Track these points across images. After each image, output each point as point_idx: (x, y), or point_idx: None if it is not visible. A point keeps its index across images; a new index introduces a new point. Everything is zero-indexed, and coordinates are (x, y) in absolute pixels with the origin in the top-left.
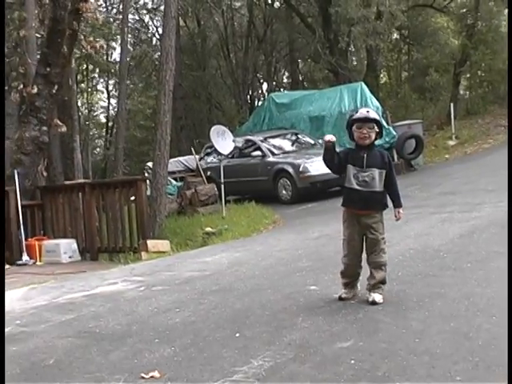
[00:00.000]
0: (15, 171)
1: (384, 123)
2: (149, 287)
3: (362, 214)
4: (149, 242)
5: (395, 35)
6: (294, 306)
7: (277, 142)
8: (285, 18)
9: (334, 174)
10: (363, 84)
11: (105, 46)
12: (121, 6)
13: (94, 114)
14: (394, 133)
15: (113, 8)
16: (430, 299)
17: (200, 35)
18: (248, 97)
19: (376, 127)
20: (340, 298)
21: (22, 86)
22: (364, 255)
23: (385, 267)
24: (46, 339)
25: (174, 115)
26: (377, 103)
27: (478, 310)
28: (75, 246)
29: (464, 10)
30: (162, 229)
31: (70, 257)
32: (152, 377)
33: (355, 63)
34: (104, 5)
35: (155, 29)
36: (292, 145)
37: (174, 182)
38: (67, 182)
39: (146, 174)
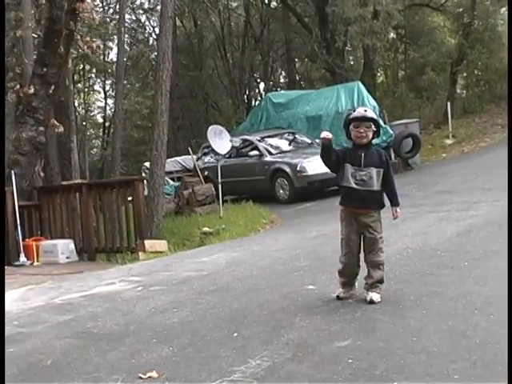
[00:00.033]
0: (12, 172)
1: (381, 122)
2: (146, 287)
3: (360, 212)
4: (146, 242)
5: (392, 34)
6: (291, 305)
7: (274, 141)
8: (281, 18)
9: (332, 172)
10: (360, 83)
11: (101, 46)
12: (117, 6)
13: (91, 114)
14: (391, 132)
15: (109, 8)
16: (428, 298)
17: (197, 35)
18: (245, 96)
19: (373, 126)
20: (338, 298)
21: (18, 87)
22: (361, 254)
23: (382, 266)
24: (43, 340)
25: (171, 115)
26: (374, 102)
27: (476, 309)
28: (73, 246)
29: (460, 9)
30: (159, 229)
31: (67, 257)
32: (150, 377)
33: (352, 63)
34: (101, 5)
35: (152, 29)
36: (289, 144)
37: (171, 181)
38: (64, 183)
39: (144, 174)
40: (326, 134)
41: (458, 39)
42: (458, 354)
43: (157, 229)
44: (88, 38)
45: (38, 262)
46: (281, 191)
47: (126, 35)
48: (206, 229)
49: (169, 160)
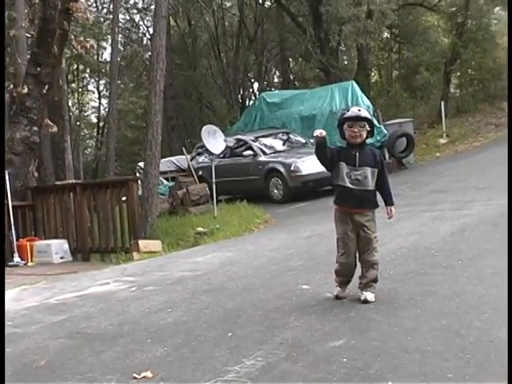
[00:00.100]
0: (6, 172)
1: (375, 122)
2: (140, 287)
3: (355, 212)
4: (140, 242)
5: (386, 34)
6: (285, 305)
7: (268, 141)
8: (275, 18)
9: (327, 171)
10: (354, 83)
11: (95, 46)
12: (111, 6)
13: (85, 114)
14: (385, 131)
15: (103, 8)
16: (422, 297)
17: (191, 35)
18: (239, 96)
19: (367, 126)
20: (337, 297)
21: (12, 86)
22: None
23: (377, 266)
24: (37, 340)
25: (165, 115)
26: (368, 102)
27: (469, 308)
28: (67, 246)
29: (454, 9)
30: (153, 229)
31: (61, 257)
32: (144, 377)
33: (346, 62)
34: (94, 4)
35: (146, 28)
36: (283, 144)
37: (165, 181)
38: (58, 183)
39: (138, 174)
40: (319, 132)
41: (451, 39)
42: (451, 353)
43: (151, 229)
44: (82, 38)
45: (31, 262)
46: (275, 191)
47: (120, 35)
48: (200, 229)
49: (163, 160)
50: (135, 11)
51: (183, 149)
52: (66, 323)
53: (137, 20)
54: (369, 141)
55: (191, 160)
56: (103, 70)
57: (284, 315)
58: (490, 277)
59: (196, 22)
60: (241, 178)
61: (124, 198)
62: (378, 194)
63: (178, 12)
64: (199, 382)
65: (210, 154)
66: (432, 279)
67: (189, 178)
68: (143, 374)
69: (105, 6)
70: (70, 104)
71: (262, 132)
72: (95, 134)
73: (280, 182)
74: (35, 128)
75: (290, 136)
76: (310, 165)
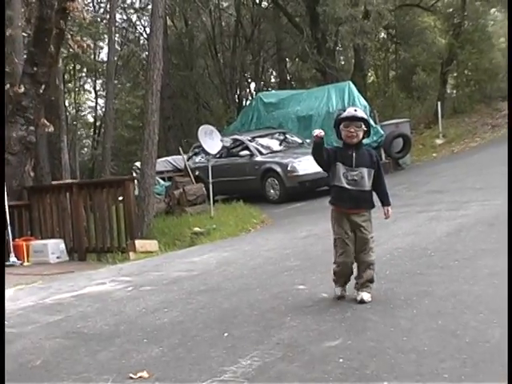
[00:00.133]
0: None
1: (372, 122)
2: (137, 287)
3: (352, 212)
4: (137, 241)
5: (382, 34)
6: (282, 305)
7: (265, 141)
8: (272, 18)
9: (324, 171)
10: (351, 83)
11: (92, 46)
12: (108, 6)
13: (82, 113)
14: (382, 132)
15: (100, 7)
16: (418, 297)
17: (187, 35)
18: (236, 96)
19: (363, 126)
20: (341, 297)
21: (8, 86)
22: None
23: (373, 266)
24: (33, 340)
25: (162, 115)
26: (364, 102)
27: (465, 308)
28: (63, 246)
29: (451, 10)
30: (149, 229)
31: (57, 257)
32: (140, 377)
33: (343, 62)
34: (91, 4)
35: (143, 28)
36: (280, 144)
37: (162, 181)
38: (54, 182)
39: (134, 174)
40: (318, 132)
41: (448, 39)
42: (447, 353)
43: (147, 229)
44: (78, 38)
45: (28, 262)
46: (271, 191)
47: (117, 35)
48: (196, 229)
49: (159, 160)
50: (132, 11)
51: (180, 149)
52: (62, 323)
53: (134, 20)
54: (365, 141)
55: (188, 160)
56: (100, 70)
57: (280, 315)
58: (487, 277)
59: (193, 21)
60: (237, 178)
61: (120, 198)
62: (374, 195)
63: (174, 12)
64: (195, 382)
65: (207, 153)
66: (428, 279)
67: (185, 178)
68: (139, 374)
69: (101, 5)
70: (66, 104)
71: (258, 132)
72: (92, 133)
73: (276, 182)
74: (32, 127)
75: (287, 136)
76: (306, 165)
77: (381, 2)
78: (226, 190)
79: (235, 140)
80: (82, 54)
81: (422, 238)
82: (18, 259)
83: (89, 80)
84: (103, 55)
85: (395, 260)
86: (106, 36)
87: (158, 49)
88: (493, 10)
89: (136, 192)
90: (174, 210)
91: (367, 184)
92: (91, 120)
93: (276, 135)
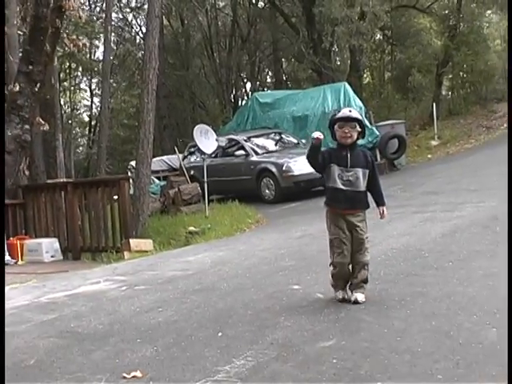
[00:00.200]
0: None
1: (367, 123)
2: (131, 287)
3: (347, 213)
4: (131, 241)
5: (378, 35)
6: (276, 305)
7: (260, 141)
8: (269, 18)
9: (317, 173)
10: (346, 84)
11: (88, 45)
12: (104, 5)
13: (77, 112)
14: (377, 133)
15: (96, 6)
16: (412, 298)
17: (184, 34)
18: (231, 96)
19: (358, 127)
20: (342, 300)
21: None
22: None
23: (367, 266)
24: (26, 339)
25: (158, 114)
26: (360, 103)
27: (460, 309)
28: (57, 245)
29: (446, 12)
30: (144, 228)
31: (52, 256)
32: (134, 376)
33: (339, 63)
34: (87, 3)
35: (139, 27)
36: (275, 144)
37: (157, 181)
38: (49, 181)
39: (129, 173)
40: (318, 135)
41: (443, 41)
42: (441, 354)
43: (142, 228)
44: (74, 36)
45: (22, 260)
46: (267, 191)
47: (113, 34)
48: (191, 228)
49: (155, 159)
50: (128, 10)
51: (175, 148)
52: (56, 322)
53: (130, 19)
54: (361, 142)
55: (183, 159)
56: (96, 69)
57: (275, 315)
58: (481, 278)
59: (189, 21)
60: (233, 178)
61: (115, 197)
62: (369, 195)
63: (171, 11)
64: (189, 382)
65: (202, 153)
66: (423, 280)
67: (180, 178)
68: (133, 374)
69: (98, 4)
70: (61, 102)
71: (254, 132)
72: (87, 132)
73: (272, 182)
74: (27, 126)
75: (283, 136)
76: (301, 165)
77: (377, 3)
78: (221, 190)
79: (231, 140)
80: (78, 53)
81: (417, 239)
82: (12, 258)
83: (84, 79)
84: (99, 54)
85: (390, 261)
86: (101, 35)
87: (154, 48)
88: (488, 12)
89: (131, 191)
90: (169, 210)
91: (362, 184)
92: (86, 119)
93: (271, 135)
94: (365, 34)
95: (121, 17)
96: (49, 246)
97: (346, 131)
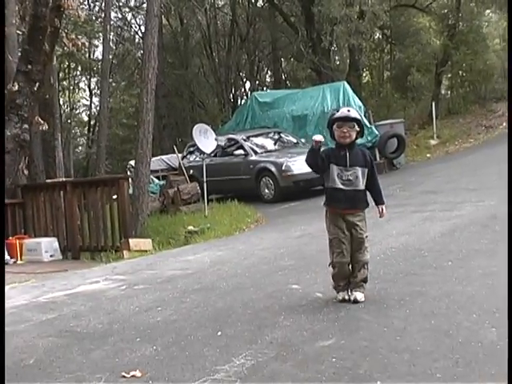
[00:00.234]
0: None
1: (366, 122)
2: (130, 286)
3: (347, 213)
4: (131, 240)
5: (378, 35)
6: (275, 304)
7: (259, 140)
8: (268, 17)
9: (317, 174)
10: (346, 83)
11: (87, 44)
12: (103, 4)
13: (76, 112)
14: (376, 132)
15: (95, 5)
16: (411, 297)
17: (183, 34)
18: (231, 95)
19: (357, 126)
20: (343, 300)
21: None
22: None
23: (367, 265)
24: (26, 339)
25: (157, 114)
26: (359, 102)
27: (459, 308)
28: (56, 244)
29: (446, 11)
30: (144, 227)
31: (51, 255)
32: (133, 376)
33: (338, 62)
34: (86, 2)
35: (138, 27)
36: (275, 144)
37: (156, 180)
38: (48, 181)
39: (129, 173)
40: (319, 138)
41: (443, 40)
42: (440, 353)
43: (141, 227)
44: (73, 36)
45: (21, 260)
46: (266, 190)
47: (112, 33)
48: (190, 228)
49: (154, 159)
50: (127, 9)
51: (174, 147)
52: (55, 322)
53: (129, 18)
54: (360, 141)
55: (182, 159)
56: (95, 68)
57: (274, 315)
58: (480, 277)
59: (188, 20)
60: (232, 178)
61: (115, 197)
62: (368, 194)
63: (170, 11)
64: (188, 381)
65: (202, 153)
66: (422, 279)
67: (180, 177)
68: (132, 373)
69: (97, 3)
70: (61, 102)
71: (253, 131)
72: (86, 132)
73: (271, 181)
74: (26, 126)
75: (282, 135)
76: (301, 164)
77: (376, 2)
78: (220, 189)
79: (230, 139)
80: (77, 52)
81: (416, 238)
82: (12, 257)
83: (83, 78)
84: (98, 53)
85: (389, 260)
86: (100, 34)
87: (153, 47)
88: (487, 11)
89: (130, 191)
90: (168, 209)
91: (361, 183)
92: (86, 118)
93: (271, 135)
94: (364, 33)
95: (120, 16)
96: (48, 246)
97: (345, 131)
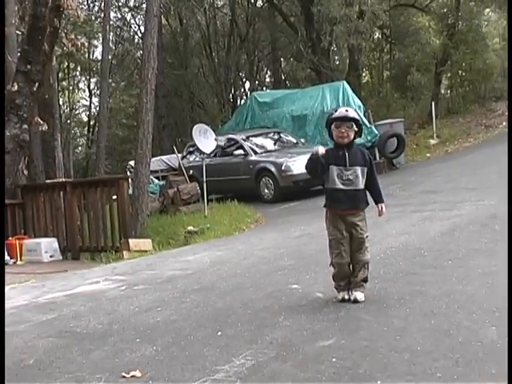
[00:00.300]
0: None
1: (366, 122)
2: (130, 286)
3: (347, 213)
4: (131, 240)
5: (377, 34)
6: (275, 304)
7: (259, 140)
8: (267, 17)
9: (317, 177)
10: (345, 83)
11: (86, 44)
12: (102, 4)
13: (76, 112)
14: (376, 132)
15: (94, 5)
16: (411, 297)
17: (182, 34)
18: (230, 96)
19: (355, 126)
20: (342, 300)
21: None
22: None
23: (367, 265)
24: (26, 339)
25: (156, 114)
26: (359, 102)
27: (459, 308)
28: (56, 245)
29: (445, 10)
30: (143, 228)
31: (51, 256)
32: (133, 376)
33: (337, 62)
34: (86, 2)
35: (137, 27)
36: (274, 144)
37: (156, 180)
38: (48, 181)
39: (129, 173)
40: (321, 152)
41: (442, 40)
42: (440, 353)
43: (141, 228)
44: (73, 36)
45: (21, 260)
46: (266, 190)
47: (111, 33)
48: (190, 228)
49: (154, 159)
50: (127, 9)
51: (174, 148)
52: (55, 322)
53: (128, 18)
54: (360, 141)
55: (182, 159)
56: (94, 69)
57: (274, 314)
58: (480, 277)
59: (188, 20)
60: (232, 178)
61: (114, 197)
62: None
63: (169, 11)
64: (188, 382)
65: (201, 153)
66: (422, 279)
67: (180, 177)
68: (132, 373)
69: (96, 3)
70: (60, 102)
71: (253, 131)
72: (86, 132)
73: (271, 181)
74: (25, 126)
75: (281, 135)
76: (300, 164)
77: (375, 2)
78: (220, 190)
79: (230, 139)
80: (76, 53)
81: (416, 238)
82: (11, 258)
83: (83, 78)
84: (97, 54)
85: (389, 259)
86: (100, 34)
87: (153, 47)
88: (487, 10)
89: (130, 191)
90: (168, 209)
91: (361, 183)
92: (85, 119)
93: (270, 135)
94: (363, 32)
95: (119, 16)
96: (48, 246)
97: (343, 131)
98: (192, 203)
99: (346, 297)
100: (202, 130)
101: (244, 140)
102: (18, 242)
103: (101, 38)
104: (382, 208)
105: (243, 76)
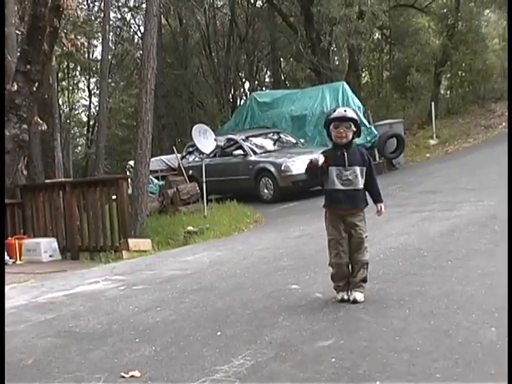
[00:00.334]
0: None
1: (365, 122)
2: (130, 286)
3: (347, 213)
4: (130, 240)
5: (377, 35)
6: (275, 304)
7: (259, 141)
8: (267, 17)
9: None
10: (345, 83)
11: (86, 44)
12: (102, 4)
13: (76, 112)
14: (376, 132)
15: (94, 5)
16: (411, 297)
17: (182, 34)
18: (230, 96)
19: (353, 126)
20: (342, 300)
21: None
22: None
23: (367, 266)
24: (25, 339)
25: (156, 114)
26: (358, 103)
27: (458, 308)
28: (56, 244)
29: (445, 11)
30: (143, 228)
31: (50, 256)
32: (132, 376)
33: (337, 63)
34: (85, 2)
35: (137, 27)
36: (274, 144)
37: (155, 180)
38: (48, 181)
39: (128, 173)
40: (322, 162)
41: (442, 40)
42: (440, 353)
43: (141, 228)
44: (72, 36)
45: (20, 260)
46: (265, 191)
47: (111, 33)
48: (190, 228)
49: (153, 159)
50: (126, 9)
51: (174, 148)
52: (54, 322)
53: (128, 18)
54: (359, 141)
55: (182, 159)
56: (94, 68)
57: (273, 315)
58: (479, 277)
59: (187, 20)
60: (231, 178)
61: (114, 197)
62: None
63: (169, 10)
64: (187, 382)
65: (201, 153)
66: (421, 279)
67: (179, 177)
68: (131, 373)
69: (96, 3)
70: (60, 102)
71: (252, 132)
72: (85, 132)
73: (270, 181)
74: (25, 126)
75: (281, 136)
76: (300, 165)
77: (375, 2)
78: (219, 190)
79: (229, 139)
80: (76, 53)
81: (415, 238)
82: (11, 257)
83: (82, 78)
84: (97, 54)
85: (388, 260)
86: (100, 34)
87: (152, 47)
88: (486, 10)
89: (129, 191)
90: (167, 209)
91: (360, 182)
92: (85, 119)
93: (270, 135)
94: (363, 33)
95: (119, 16)
96: (47, 246)
97: (341, 131)
98: (191, 203)
99: (346, 297)
100: (201, 130)
101: (243, 140)
102: (17, 241)
103: (100, 38)
104: (381, 208)
105: (243, 76)
